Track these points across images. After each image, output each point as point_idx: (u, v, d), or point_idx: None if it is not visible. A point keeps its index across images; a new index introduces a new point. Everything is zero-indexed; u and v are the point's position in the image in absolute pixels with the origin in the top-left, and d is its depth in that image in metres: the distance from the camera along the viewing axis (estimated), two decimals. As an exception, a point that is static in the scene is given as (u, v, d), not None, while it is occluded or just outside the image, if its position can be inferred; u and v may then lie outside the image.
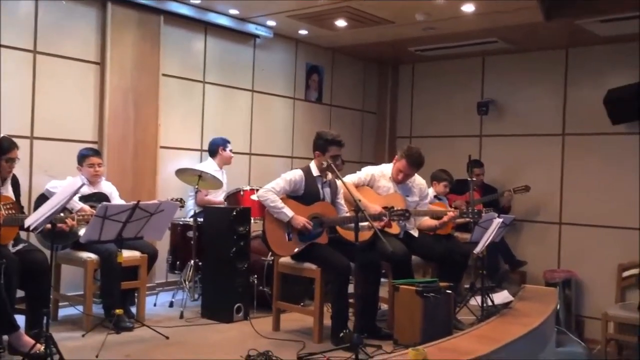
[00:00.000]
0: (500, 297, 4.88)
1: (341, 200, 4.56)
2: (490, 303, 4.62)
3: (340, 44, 7.37)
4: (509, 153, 7.47)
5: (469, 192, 5.53)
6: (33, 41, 5.00)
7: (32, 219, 3.43)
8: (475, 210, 4.87)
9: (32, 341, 3.58)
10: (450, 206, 5.87)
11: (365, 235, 4.38)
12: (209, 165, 5.85)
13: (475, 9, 5.73)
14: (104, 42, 5.42)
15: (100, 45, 5.42)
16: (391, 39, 6.94)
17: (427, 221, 4.95)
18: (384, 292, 4.67)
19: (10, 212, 3.74)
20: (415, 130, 8.31)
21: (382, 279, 4.59)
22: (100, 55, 5.42)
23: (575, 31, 6.26)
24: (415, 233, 4.93)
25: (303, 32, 6.84)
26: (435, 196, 5.71)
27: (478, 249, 4.59)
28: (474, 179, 6.28)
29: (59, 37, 5.15)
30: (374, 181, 4.87)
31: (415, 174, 4.94)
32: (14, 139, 4.02)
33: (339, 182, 4.53)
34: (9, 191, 3.99)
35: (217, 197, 5.81)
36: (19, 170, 4.06)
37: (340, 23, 6.35)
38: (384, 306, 4.87)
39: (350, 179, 4.78)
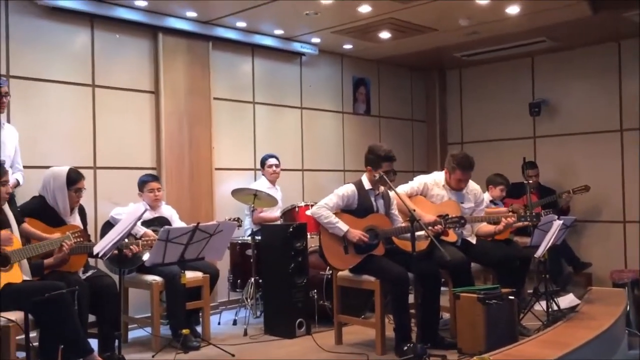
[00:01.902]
0: (566, 300, 4.76)
1: (395, 211, 4.57)
2: (555, 307, 4.52)
3: (385, 55, 7.41)
4: (565, 153, 7.31)
5: (526, 195, 5.43)
6: (91, 76, 5.23)
7: (100, 246, 3.58)
8: (534, 213, 4.79)
9: (106, 364, 3.73)
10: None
11: (422, 245, 4.37)
12: (263, 184, 5.96)
13: (520, 10, 5.67)
14: (156, 71, 5.62)
15: (153, 74, 5.63)
16: (436, 46, 6.93)
17: (485, 227, 4.89)
18: (444, 300, 4.63)
19: (79, 240, 3.90)
20: (467, 135, 8.23)
21: (442, 288, 4.56)
22: (154, 84, 5.63)
23: (625, 23, 6.10)
24: (473, 240, 4.88)
25: (347, 46, 6.91)
26: (491, 201, 5.64)
27: (539, 252, 4.50)
28: (530, 181, 6.18)
29: (115, 69, 5.38)
30: (427, 190, 4.86)
31: (470, 180, 4.90)
32: (80, 170, 4.22)
33: (392, 194, 4.54)
34: (76, 220, 4.18)
35: (273, 214, 5.91)
36: (84, 199, 4.24)
37: (384, 35, 6.39)
38: (446, 315, 4.83)
39: (403, 189, 4.79)
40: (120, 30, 5.40)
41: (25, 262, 3.61)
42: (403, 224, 4.49)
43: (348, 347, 4.54)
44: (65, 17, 5.03)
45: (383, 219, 4.47)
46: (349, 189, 4.44)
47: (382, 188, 4.48)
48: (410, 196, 4.77)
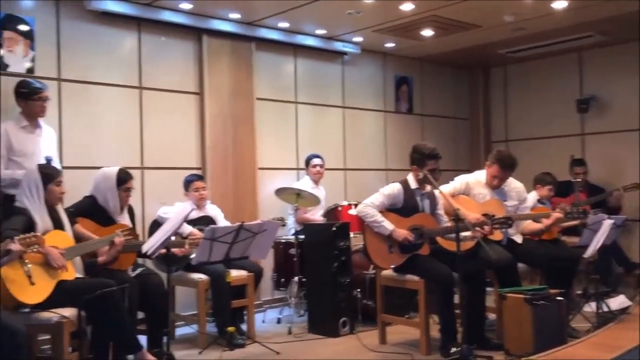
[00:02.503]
0: (617, 302, 4.65)
1: (441, 211, 4.53)
2: (606, 309, 4.41)
3: (428, 53, 7.35)
4: (614, 150, 7.11)
5: (574, 193, 5.32)
6: (138, 78, 5.35)
7: (149, 245, 3.66)
8: (581, 209, 4.67)
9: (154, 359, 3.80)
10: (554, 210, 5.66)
11: (467, 245, 4.32)
12: (306, 183, 5.99)
13: (567, 5, 5.55)
14: (201, 72, 5.71)
15: (198, 75, 5.71)
16: (479, 43, 6.84)
17: (531, 225, 4.81)
18: (490, 301, 4.58)
19: (128, 238, 4.00)
20: (511, 133, 8.10)
21: (488, 288, 4.51)
22: (198, 85, 5.71)
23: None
24: (519, 239, 4.81)
25: (390, 44, 6.88)
26: (538, 200, 5.53)
27: (589, 252, 4.41)
28: (578, 179, 6.05)
29: (161, 71, 5.49)
30: (470, 189, 4.80)
31: (511, 178, 4.83)
32: (128, 170, 4.31)
33: (437, 194, 4.50)
34: (126, 219, 4.28)
35: (316, 213, 5.93)
36: (132, 199, 4.35)
37: (427, 32, 6.34)
38: (492, 316, 4.77)
39: (446, 189, 4.73)
40: (165, 33, 5.51)
41: (78, 259, 3.72)
42: (448, 224, 4.45)
43: (392, 346, 4.52)
44: (113, 21, 5.15)
45: (428, 218, 4.44)
46: (395, 187, 4.42)
47: (428, 187, 4.45)
48: (453, 195, 4.72)
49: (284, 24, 5.99)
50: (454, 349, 4.03)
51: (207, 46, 5.71)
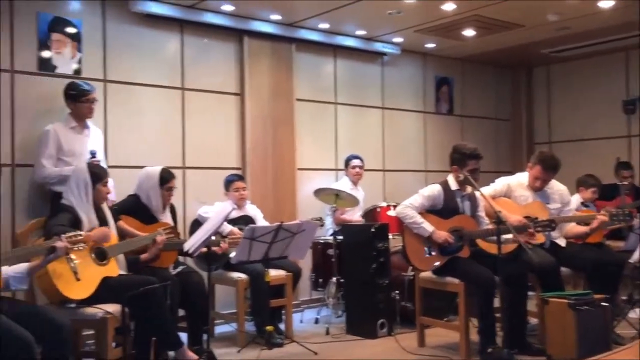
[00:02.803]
0: (664, 308, 4.51)
1: (482, 213, 4.47)
2: (652, 315, 4.29)
3: (469, 53, 7.26)
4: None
5: (620, 197, 5.18)
6: (181, 79, 5.44)
7: (190, 243, 3.72)
8: (627, 212, 4.55)
9: (195, 356, 3.85)
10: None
11: (508, 248, 4.26)
12: (345, 184, 5.99)
13: (614, 4, 5.41)
14: (242, 73, 5.77)
15: (239, 76, 5.77)
16: (522, 42, 6.73)
17: (575, 228, 4.71)
18: (532, 305, 4.50)
19: (170, 237, 4.07)
20: (555, 135, 7.94)
21: (530, 292, 4.43)
22: (239, 86, 5.77)
23: None
24: (562, 242, 4.71)
25: (430, 45, 6.83)
26: (582, 203, 5.41)
27: (635, 257, 4.29)
28: (624, 182, 5.88)
29: (202, 73, 5.56)
30: (511, 191, 4.73)
31: (553, 180, 4.73)
32: (171, 170, 4.39)
33: (478, 195, 4.45)
34: (168, 218, 4.36)
35: (354, 214, 5.93)
36: (173, 198, 4.42)
37: (469, 32, 6.27)
38: (533, 320, 4.68)
39: (486, 191, 4.66)
40: (207, 35, 5.58)
41: (121, 256, 3.80)
42: (489, 226, 4.39)
43: (431, 349, 4.49)
44: (157, 23, 5.25)
45: (469, 220, 4.38)
46: (435, 189, 4.39)
47: (469, 189, 4.39)
48: (493, 197, 4.65)
49: (324, 25, 6.01)
50: (493, 352, 3.97)
51: (248, 47, 5.76)
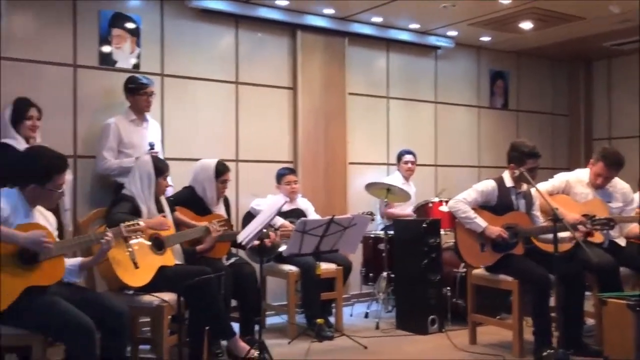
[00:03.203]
0: None
1: (537, 212, 4.37)
2: None
3: (526, 46, 7.10)
4: None
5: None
6: (235, 73, 5.51)
7: (244, 235, 3.77)
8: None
9: (247, 347, 3.93)
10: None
11: (565, 246, 4.15)
12: (397, 178, 5.96)
13: (681, -6, 5.20)
14: (294, 67, 5.80)
15: (291, 71, 5.81)
16: (582, 35, 6.53)
17: (636, 228, 4.55)
18: (588, 305, 4.38)
19: (224, 228, 4.15)
20: (615, 130, 7.68)
21: (587, 292, 4.31)
22: (292, 80, 5.81)
23: None
24: (622, 242, 4.56)
25: (485, 38, 6.70)
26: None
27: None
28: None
29: (256, 67, 5.62)
30: (570, 188, 4.61)
31: (616, 178, 4.58)
32: (225, 162, 4.46)
33: (534, 193, 4.35)
34: (221, 210, 4.44)
35: (405, 209, 5.89)
36: (227, 190, 4.50)
37: (526, 25, 6.12)
38: (590, 321, 4.56)
39: (543, 187, 4.56)
40: (262, 29, 5.63)
41: (177, 247, 3.89)
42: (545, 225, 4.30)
43: (483, 347, 4.43)
44: (213, 18, 5.33)
45: (523, 217, 4.29)
46: (489, 184, 4.31)
47: (524, 187, 4.30)
48: (550, 194, 4.55)
49: (377, 19, 5.98)
50: (548, 353, 3.89)
51: (301, 42, 5.79)
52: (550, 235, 3.87)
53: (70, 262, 3.14)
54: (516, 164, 4.24)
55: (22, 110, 3.86)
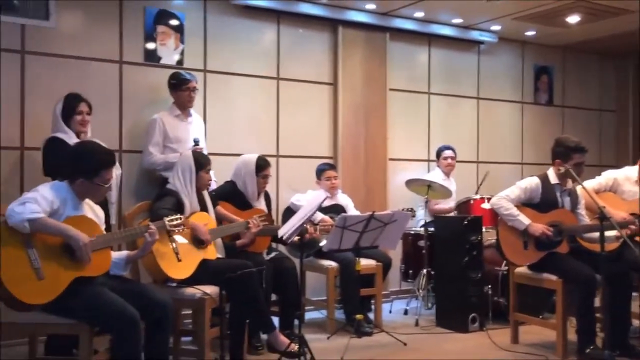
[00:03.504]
0: None
1: (582, 211, 4.27)
2: None
3: (572, 41, 6.93)
4: None
5: None
6: (276, 69, 5.54)
7: (284, 230, 3.80)
8: None
9: (287, 341, 3.96)
10: None
11: (611, 246, 4.05)
12: (437, 175, 5.91)
13: None
14: (335, 63, 5.80)
15: (332, 66, 5.81)
16: (631, 29, 6.33)
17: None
18: (635, 306, 4.26)
19: (264, 223, 4.18)
20: (666, 128, 7.45)
21: (633, 292, 4.20)
22: (333, 76, 5.81)
23: None
24: (672, 242, 4.42)
25: (530, 32, 6.58)
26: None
27: None
28: None
29: (297, 63, 5.64)
30: (617, 186, 4.50)
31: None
32: (266, 157, 4.50)
33: (579, 191, 4.25)
34: (262, 205, 4.48)
35: (446, 206, 5.83)
36: (267, 185, 4.54)
37: (573, 19, 5.98)
38: (636, 322, 4.44)
39: (590, 184, 4.46)
40: (303, 25, 5.65)
41: (219, 240, 3.95)
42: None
43: (525, 347, 4.36)
44: (255, 14, 5.37)
45: (568, 214, 4.21)
46: (533, 181, 4.24)
47: (569, 184, 4.21)
48: (597, 192, 4.44)
49: (419, 14, 5.92)
50: (592, 353, 3.81)
51: (342, 37, 5.78)
52: (595, 234, 3.80)
53: (117, 255, 3.21)
54: (562, 159, 4.15)
55: (72, 105, 3.95)
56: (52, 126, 3.97)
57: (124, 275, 3.27)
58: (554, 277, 4.12)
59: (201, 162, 3.91)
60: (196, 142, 4.38)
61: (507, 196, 4.21)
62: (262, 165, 4.38)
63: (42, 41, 4.48)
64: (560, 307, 4.08)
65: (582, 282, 3.95)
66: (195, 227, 3.65)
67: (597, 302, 4.03)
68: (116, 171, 3.70)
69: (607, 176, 4.55)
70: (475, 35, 6.48)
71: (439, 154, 6.01)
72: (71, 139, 3.86)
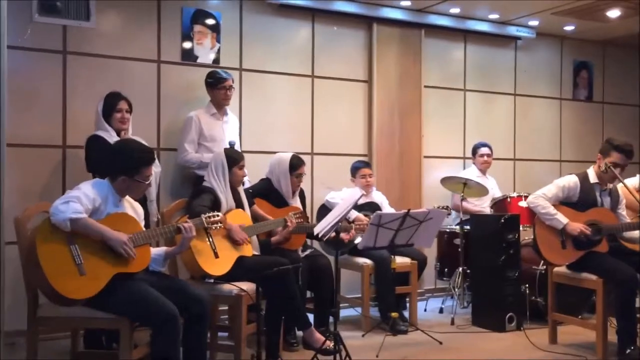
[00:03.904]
0: None
1: (623, 212, 4.18)
2: None
3: (612, 36, 6.78)
4: None
5: None
6: (311, 67, 5.56)
7: (320, 227, 3.81)
8: None
9: (322, 338, 3.98)
10: None
11: (653, 245, 3.97)
12: (473, 172, 5.86)
13: None
14: (370, 60, 5.79)
15: (367, 64, 5.80)
16: (674, 23, 6.17)
17: None
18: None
19: (299, 221, 4.21)
20: None
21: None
22: (367, 74, 5.80)
23: None
24: None
25: (569, 27, 6.45)
26: None
27: None
28: None
29: (331, 60, 5.65)
30: (660, 183, 4.39)
31: None
32: (299, 156, 4.51)
33: (620, 192, 4.16)
34: (297, 202, 4.50)
35: (483, 204, 5.77)
36: (303, 183, 4.55)
37: (613, 13, 5.85)
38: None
39: (631, 182, 4.36)
40: (337, 23, 5.65)
41: (255, 238, 3.98)
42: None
43: (564, 347, 4.30)
44: (290, 13, 5.39)
45: (607, 213, 4.13)
46: (571, 180, 4.17)
47: (610, 185, 4.12)
48: (638, 191, 4.34)
49: (455, 10, 5.87)
50: (632, 354, 3.74)
51: (377, 34, 5.76)
52: (636, 233, 3.72)
53: (156, 251, 3.27)
54: (602, 154, 4.08)
55: (112, 104, 4.03)
56: (95, 124, 4.06)
57: (162, 271, 3.32)
58: (594, 277, 4.05)
59: (234, 158, 3.94)
60: (231, 145, 4.42)
61: (544, 194, 4.15)
62: (295, 164, 4.40)
63: (83, 42, 4.59)
64: (601, 308, 4.01)
65: (623, 281, 3.87)
66: (230, 229, 3.69)
67: (637, 302, 3.94)
68: (156, 169, 3.76)
69: (649, 173, 4.45)
70: (512, 30, 6.38)
71: (475, 151, 5.95)
72: (112, 137, 3.94)
